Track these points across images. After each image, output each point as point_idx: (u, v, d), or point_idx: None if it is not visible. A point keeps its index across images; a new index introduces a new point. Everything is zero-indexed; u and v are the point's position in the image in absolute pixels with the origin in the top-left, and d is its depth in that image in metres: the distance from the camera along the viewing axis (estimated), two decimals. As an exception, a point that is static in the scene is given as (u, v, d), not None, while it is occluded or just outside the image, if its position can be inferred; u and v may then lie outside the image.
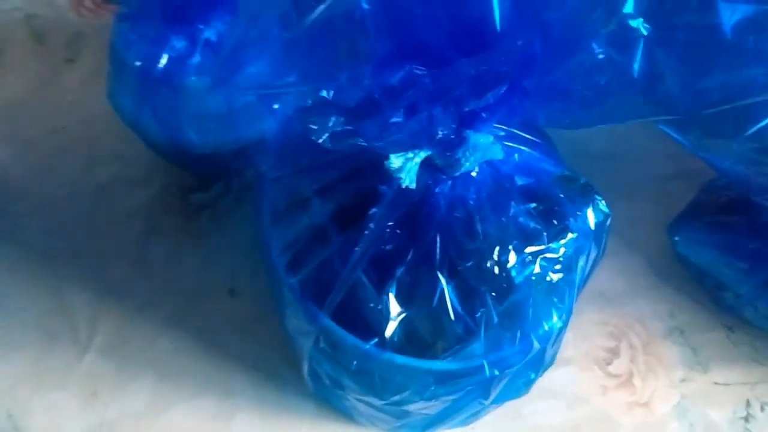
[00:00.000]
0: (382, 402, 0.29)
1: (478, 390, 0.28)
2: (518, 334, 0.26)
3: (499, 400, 0.30)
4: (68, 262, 0.43)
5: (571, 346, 0.39)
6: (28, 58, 0.52)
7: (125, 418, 0.36)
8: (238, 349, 0.39)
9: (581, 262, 0.28)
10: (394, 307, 0.26)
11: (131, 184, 0.46)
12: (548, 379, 0.37)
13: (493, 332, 0.26)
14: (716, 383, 0.37)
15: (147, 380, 0.38)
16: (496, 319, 0.26)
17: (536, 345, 0.26)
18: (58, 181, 0.46)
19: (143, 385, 0.38)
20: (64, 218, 0.44)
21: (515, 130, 0.30)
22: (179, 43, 0.40)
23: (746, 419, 0.36)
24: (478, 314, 0.26)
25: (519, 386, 0.30)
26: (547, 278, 0.26)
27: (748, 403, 0.37)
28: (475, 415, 0.33)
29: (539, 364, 0.29)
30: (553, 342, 0.28)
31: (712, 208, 0.41)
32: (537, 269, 0.26)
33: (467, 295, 0.26)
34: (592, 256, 0.28)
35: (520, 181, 0.28)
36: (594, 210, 0.28)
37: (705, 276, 0.40)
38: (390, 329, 0.26)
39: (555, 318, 0.27)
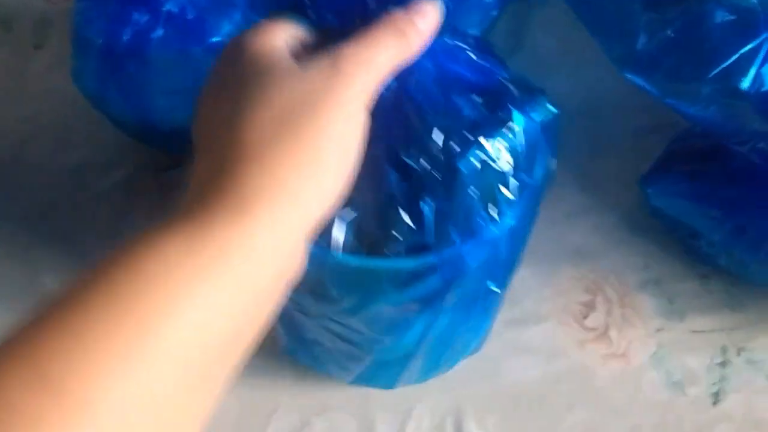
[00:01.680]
0: (340, 312, 0.28)
1: (435, 298, 0.27)
2: (468, 230, 0.25)
3: (460, 312, 0.29)
4: (45, 247, 0.42)
5: (547, 301, 0.39)
6: (-7, 44, 0.52)
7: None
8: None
9: (531, 159, 0.27)
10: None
11: (103, 167, 0.45)
12: (526, 336, 0.38)
13: (442, 228, 0.25)
14: (693, 331, 0.38)
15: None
16: (444, 213, 0.25)
17: (488, 240, 0.26)
18: (30, 168, 0.46)
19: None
20: (38, 204, 0.44)
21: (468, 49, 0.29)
22: (141, 18, 0.39)
23: (723, 365, 0.37)
24: (426, 208, 0.25)
25: (478, 296, 0.30)
26: (497, 168, 0.26)
27: (724, 349, 0.37)
28: (445, 348, 0.32)
29: (494, 268, 0.28)
30: (506, 242, 0.27)
31: (685, 157, 0.41)
32: (484, 158, 0.25)
33: (415, 192, 0.25)
34: (543, 156, 0.28)
35: (469, 77, 0.27)
36: (540, 108, 0.27)
37: (679, 226, 0.40)
38: (337, 230, 0.25)
39: (507, 216, 0.26)
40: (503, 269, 0.30)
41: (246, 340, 0.18)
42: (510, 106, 0.26)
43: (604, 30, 0.34)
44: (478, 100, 0.26)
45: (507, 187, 0.26)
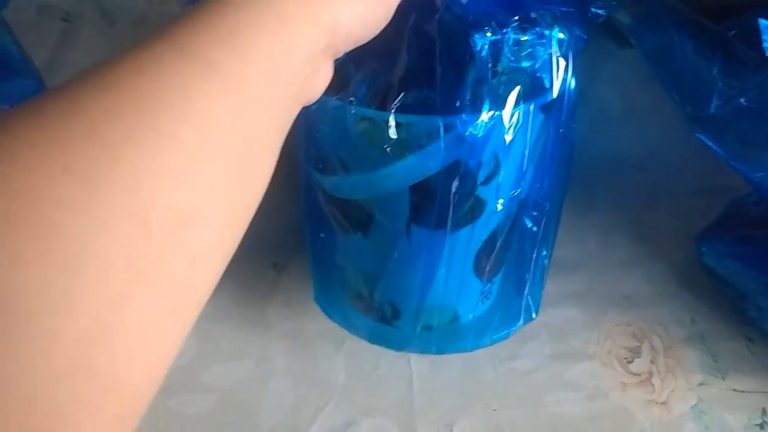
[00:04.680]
0: (354, 185, 0.29)
1: (439, 192, 0.27)
2: (473, 107, 0.26)
3: (466, 239, 0.30)
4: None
5: (593, 343, 0.40)
6: (98, 37, 0.56)
7: (168, 371, 0.39)
8: (277, 319, 0.41)
9: (545, 70, 0.28)
10: (356, 67, 0.26)
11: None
12: (570, 372, 0.39)
13: (450, 99, 0.25)
14: (734, 390, 0.39)
15: (190, 340, 0.40)
16: (454, 86, 0.26)
17: (490, 114, 0.26)
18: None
19: (186, 344, 0.40)
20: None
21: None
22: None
23: (761, 426, 0.37)
24: (438, 78, 0.25)
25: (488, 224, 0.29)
26: (510, 62, 0.26)
27: (764, 411, 0.38)
28: (460, 295, 0.32)
29: (497, 176, 0.28)
30: (511, 126, 0.27)
31: (740, 222, 0.42)
32: (498, 49, 0.26)
33: (431, 62, 0.26)
34: (564, 73, 0.29)
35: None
36: (558, 28, 0.28)
37: (728, 287, 0.41)
38: (356, 84, 0.26)
39: (511, 98, 0.26)
40: (508, 183, 0.29)
41: (278, 119, 0.20)
42: (530, 15, 0.27)
43: (679, 89, 0.36)
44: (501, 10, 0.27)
45: (517, 83, 0.27)
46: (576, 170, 0.50)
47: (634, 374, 0.39)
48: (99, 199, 0.14)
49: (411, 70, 0.26)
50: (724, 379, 0.39)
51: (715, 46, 0.34)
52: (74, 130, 0.15)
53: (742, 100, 0.34)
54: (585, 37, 0.50)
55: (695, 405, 0.38)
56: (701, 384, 0.39)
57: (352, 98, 0.26)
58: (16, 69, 0.43)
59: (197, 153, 0.16)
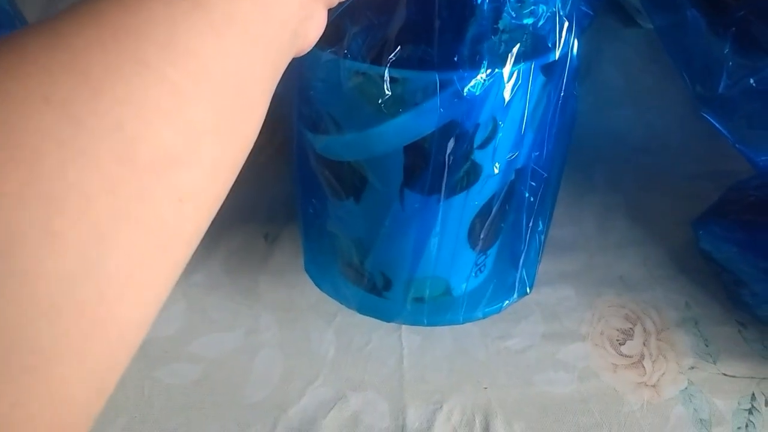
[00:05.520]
0: (346, 145, 0.28)
1: (433, 151, 0.26)
2: (472, 65, 0.25)
3: (460, 205, 0.28)
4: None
5: (587, 323, 0.40)
6: None
7: (155, 340, 0.38)
8: (267, 291, 0.40)
9: (548, 30, 0.27)
10: (352, 21, 0.25)
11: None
12: (562, 352, 0.39)
13: (448, 55, 0.24)
14: (724, 374, 0.39)
15: (178, 309, 0.40)
16: (453, 42, 0.24)
17: (489, 72, 0.25)
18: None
19: (174, 314, 0.39)
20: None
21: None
22: None
23: (750, 411, 0.37)
24: (437, 33, 0.24)
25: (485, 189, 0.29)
26: (512, 18, 0.25)
27: (753, 397, 0.38)
28: (454, 268, 0.32)
29: (493, 138, 0.27)
30: (510, 86, 0.26)
31: (739, 206, 0.42)
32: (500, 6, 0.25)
33: (430, 16, 0.25)
34: (564, 27, 0.27)
35: None
36: None
37: (724, 272, 0.41)
38: (350, 38, 0.25)
39: (512, 56, 0.25)
40: (506, 146, 0.28)
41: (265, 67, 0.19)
42: None
43: (689, 67, 0.35)
44: None
45: (518, 41, 0.25)
46: (576, 150, 0.50)
47: (626, 356, 0.39)
48: (80, 130, 0.14)
49: (409, 24, 0.25)
50: (715, 363, 0.39)
51: (729, 24, 0.33)
52: (54, 62, 0.14)
53: (751, 81, 0.33)
54: (591, 13, 0.49)
55: (685, 388, 0.38)
56: (692, 368, 0.39)
57: (346, 51, 0.25)
58: (4, 22, 0.42)
59: (185, 91, 0.15)
